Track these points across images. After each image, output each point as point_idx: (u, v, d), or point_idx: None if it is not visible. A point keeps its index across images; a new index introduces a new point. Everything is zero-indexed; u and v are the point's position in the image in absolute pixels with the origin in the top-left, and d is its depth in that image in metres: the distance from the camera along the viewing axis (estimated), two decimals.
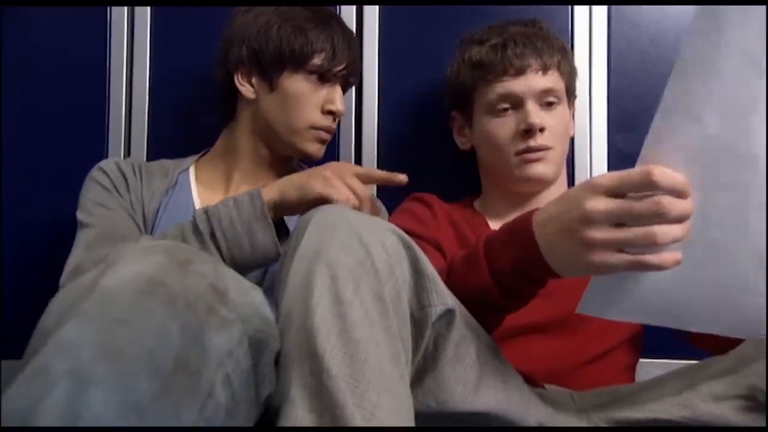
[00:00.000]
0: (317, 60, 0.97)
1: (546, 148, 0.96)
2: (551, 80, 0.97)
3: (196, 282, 0.53)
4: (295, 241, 0.61)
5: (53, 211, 1.18)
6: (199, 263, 0.56)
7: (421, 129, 1.18)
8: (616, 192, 0.56)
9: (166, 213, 0.97)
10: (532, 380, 0.77)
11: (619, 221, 0.56)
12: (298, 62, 0.97)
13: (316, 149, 1.01)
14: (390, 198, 1.07)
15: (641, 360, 0.98)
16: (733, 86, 0.53)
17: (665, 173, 0.54)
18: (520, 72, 0.96)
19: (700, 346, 0.86)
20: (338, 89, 1.01)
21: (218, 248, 0.80)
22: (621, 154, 1.15)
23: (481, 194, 1.08)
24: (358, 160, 1.19)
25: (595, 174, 1.15)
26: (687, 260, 0.56)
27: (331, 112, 1.00)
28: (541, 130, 0.95)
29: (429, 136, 1.16)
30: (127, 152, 1.22)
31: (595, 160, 1.15)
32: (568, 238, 0.59)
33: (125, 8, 1.23)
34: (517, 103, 0.97)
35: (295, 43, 0.96)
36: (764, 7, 0.52)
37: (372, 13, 1.20)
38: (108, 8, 1.23)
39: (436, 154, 1.17)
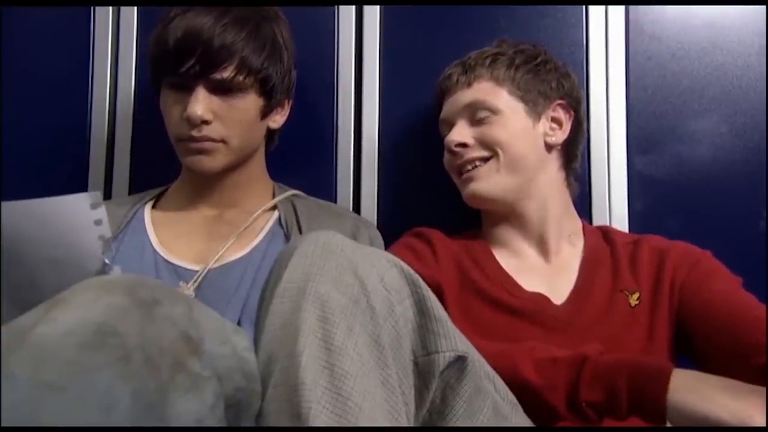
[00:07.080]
0: (159, 63, 0.89)
1: (473, 162, 0.90)
2: (476, 92, 0.91)
3: (162, 330, 0.43)
4: (276, 275, 0.52)
5: None
6: (169, 305, 0.45)
7: (426, 132, 1.08)
8: None
9: (117, 256, 0.87)
10: None
11: None
12: (156, 79, 0.91)
13: (190, 162, 0.91)
14: (391, 229, 0.99)
15: None
16: None
17: None
18: (448, 92, 0.95)
19: None
20: (198, 92, 0.87)
21: None
22: (641, 177, 1.05)
23: (483, 223, 1.00)
24: (357, 163, 1.12)
25: (614, 198, 1.06)
26: None
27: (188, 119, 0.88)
28: (462, 145, 0.90)
29: (434, 139, 1.05)
30: (109, 170, 1.17)
31: (614, 184, 1.07)
32: None
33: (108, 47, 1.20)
34: (451, 124, 0.94)
35: (152, 54, 0.90)
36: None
37: (372, 13, 1.14)
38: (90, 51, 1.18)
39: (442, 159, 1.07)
